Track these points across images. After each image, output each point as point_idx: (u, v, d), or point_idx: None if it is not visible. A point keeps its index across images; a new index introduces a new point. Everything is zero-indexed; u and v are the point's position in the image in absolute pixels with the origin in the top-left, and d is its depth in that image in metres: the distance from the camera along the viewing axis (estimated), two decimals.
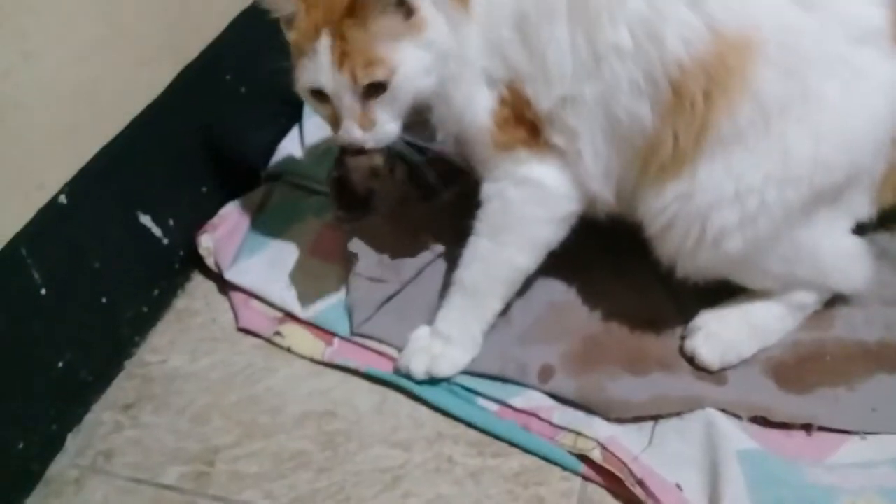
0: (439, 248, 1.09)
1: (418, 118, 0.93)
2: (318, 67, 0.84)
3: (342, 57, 0.83)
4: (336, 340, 1.02)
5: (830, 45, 0.80)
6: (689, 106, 0.81)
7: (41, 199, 0.86)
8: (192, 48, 1.07)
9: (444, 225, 1.12)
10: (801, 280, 0.93)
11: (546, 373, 0.94)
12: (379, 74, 0.84)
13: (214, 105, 1.12)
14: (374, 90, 0.85)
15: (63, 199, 0.88)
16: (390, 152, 0.95)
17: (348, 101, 0.86)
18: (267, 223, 1.15)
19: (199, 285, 1.13)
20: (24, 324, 0.86)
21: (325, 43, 0.83)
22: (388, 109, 0.87)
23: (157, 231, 1.05)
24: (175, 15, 1.03)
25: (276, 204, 1.18)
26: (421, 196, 1.13)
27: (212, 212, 1.15)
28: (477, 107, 0.89)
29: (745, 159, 0.82)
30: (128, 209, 1.00)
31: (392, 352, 0.99)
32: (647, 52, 0.80)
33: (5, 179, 0.82)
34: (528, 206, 0.92)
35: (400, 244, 1.09)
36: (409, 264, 1.07)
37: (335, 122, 0.89)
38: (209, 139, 1.13)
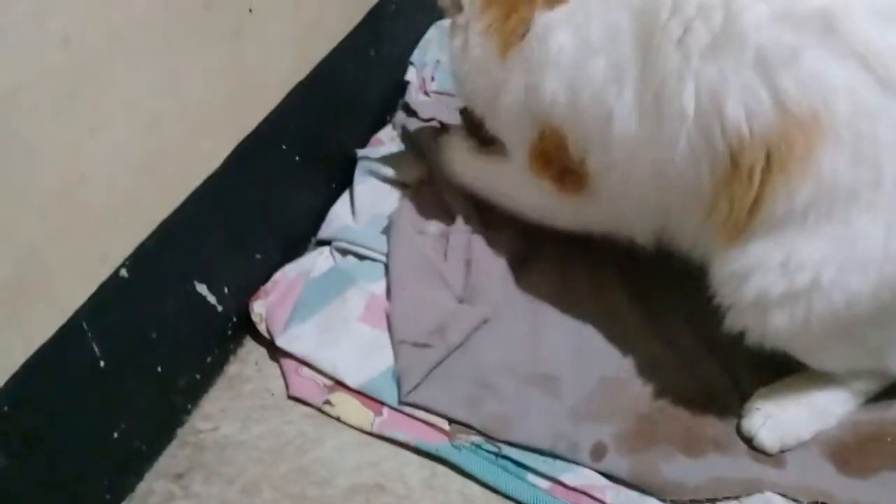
0: (486, 311, 1.09)
1: None
2: None
3: None
4: (385, 410, 1.01)
5: None
6: (745, 178, 0.77)
7: (104, 273, 0.87)
8: (251, 120, 1.09)
9: (490, 289, 1.12)
10: (867, 371, 0.90)
11: (598, 451, 0.92)
12: None
13: (270, 174, 1.14)
14: None
15: (124, 272, 0.89)
16: None
17: None
18: (318, 289, 1.15)
19: (251, 351, 1.13)
20: (82, 396, 0.86)
21: None
22: None
23: (212, 299, 1.05)
24: (236, 88, 1.05)
25: (326, 270, 1.19)
26: None
27: (264, 278, 1.16)
28: (517, 133, 0.96)
29: (800, 234, 0.77)
30: (185, 279, 1.01)
31: (441, 422, 0.98)
32: (709, 117, 0.77)
33: (72, 254, 0.83)
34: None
35: (443, 308, 1.09)
36: (455, 329, 1.06)
37: None
38: (264, 207, 1.15)
